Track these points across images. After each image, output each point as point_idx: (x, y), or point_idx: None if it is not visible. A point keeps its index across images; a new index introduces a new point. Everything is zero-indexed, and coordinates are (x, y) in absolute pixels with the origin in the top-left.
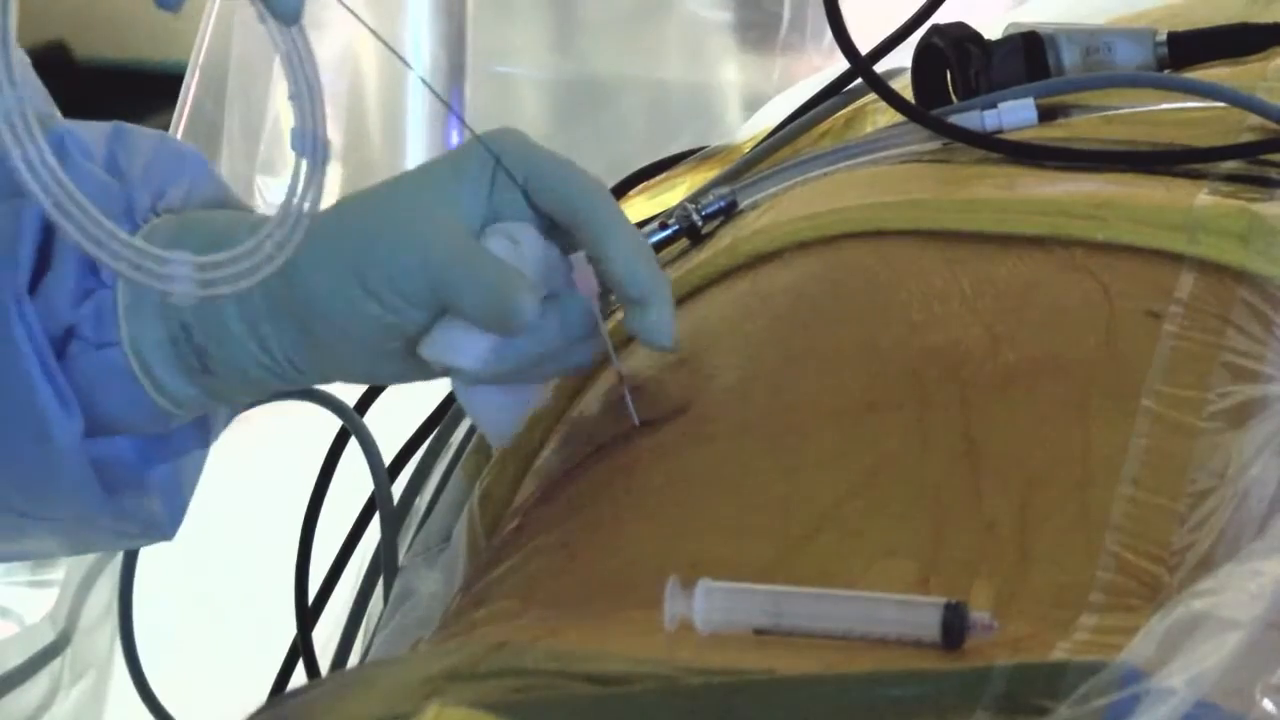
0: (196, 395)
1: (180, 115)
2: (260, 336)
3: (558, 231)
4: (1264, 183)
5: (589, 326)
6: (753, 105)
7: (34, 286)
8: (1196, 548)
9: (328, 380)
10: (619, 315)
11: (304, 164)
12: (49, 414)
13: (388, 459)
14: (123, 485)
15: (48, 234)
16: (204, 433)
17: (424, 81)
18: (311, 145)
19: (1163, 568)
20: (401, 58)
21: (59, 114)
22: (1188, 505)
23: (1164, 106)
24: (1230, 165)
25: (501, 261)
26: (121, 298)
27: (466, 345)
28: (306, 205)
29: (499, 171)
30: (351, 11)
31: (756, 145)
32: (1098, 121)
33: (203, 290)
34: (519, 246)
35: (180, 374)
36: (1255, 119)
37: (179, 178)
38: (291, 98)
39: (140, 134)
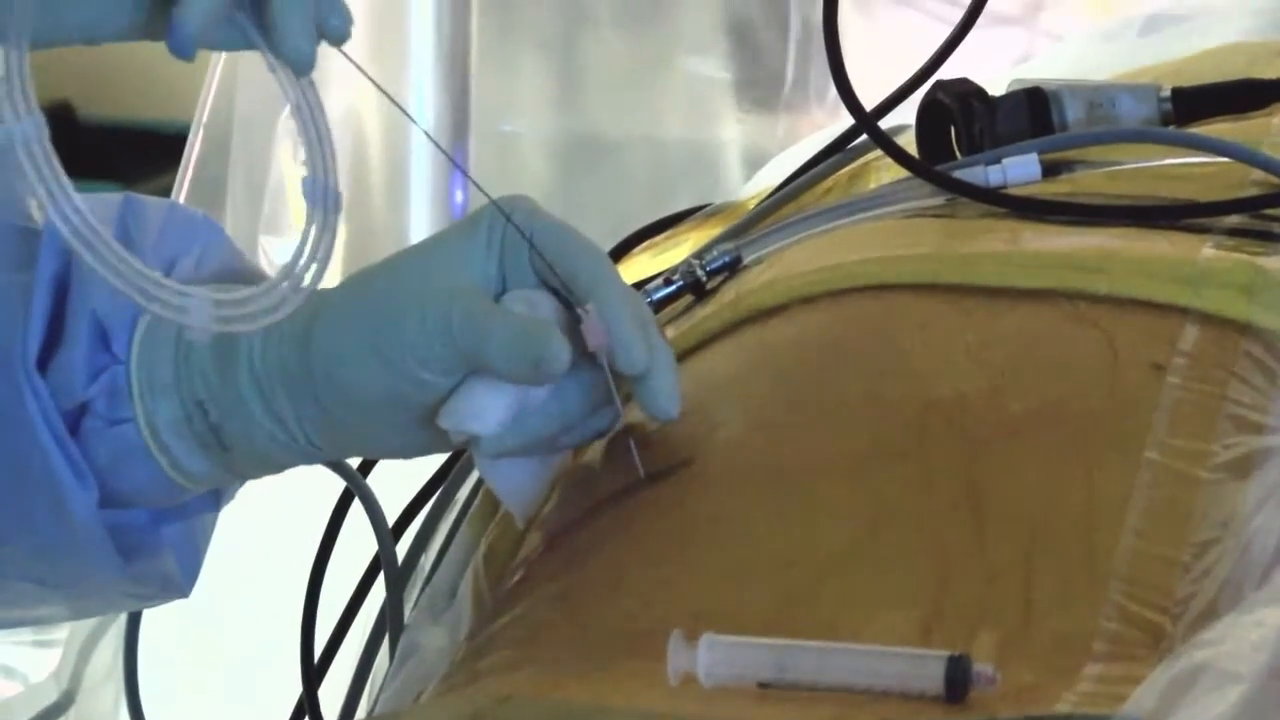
0: (212, 471)
1: (184, 175)
2: (277, 413)
3: (560, 299)
4: (1268, 237)
5: (607, 394)
6: (756, 163)
7: (46, 362)
8: (1200, 598)
9: (344, 455)
10: None
11: (317, 212)
12: (64, 486)
13: (393, 516)
14: (138, 549)
15: (58, 309)
16: (215, 497)
17: (428, 136)
18: (323, 194)
19: (1166, 617)
20: (406, 112)
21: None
22: (1191, 555)
23: (1168, 162)
24: (1234, 220)
25: (528, 315)
26: (135, 375)
27: (486, 410)
28: (321, 251)
29: (507, 239)
30: (358, 66)
31: (761, 201)
32: (1102, 177)
33: (219, 326)
34: (538, 311)
35: (196, 450)
36: (1259, 174)
37: (190, 246)
38: (302, 147)
39: (150, 204)
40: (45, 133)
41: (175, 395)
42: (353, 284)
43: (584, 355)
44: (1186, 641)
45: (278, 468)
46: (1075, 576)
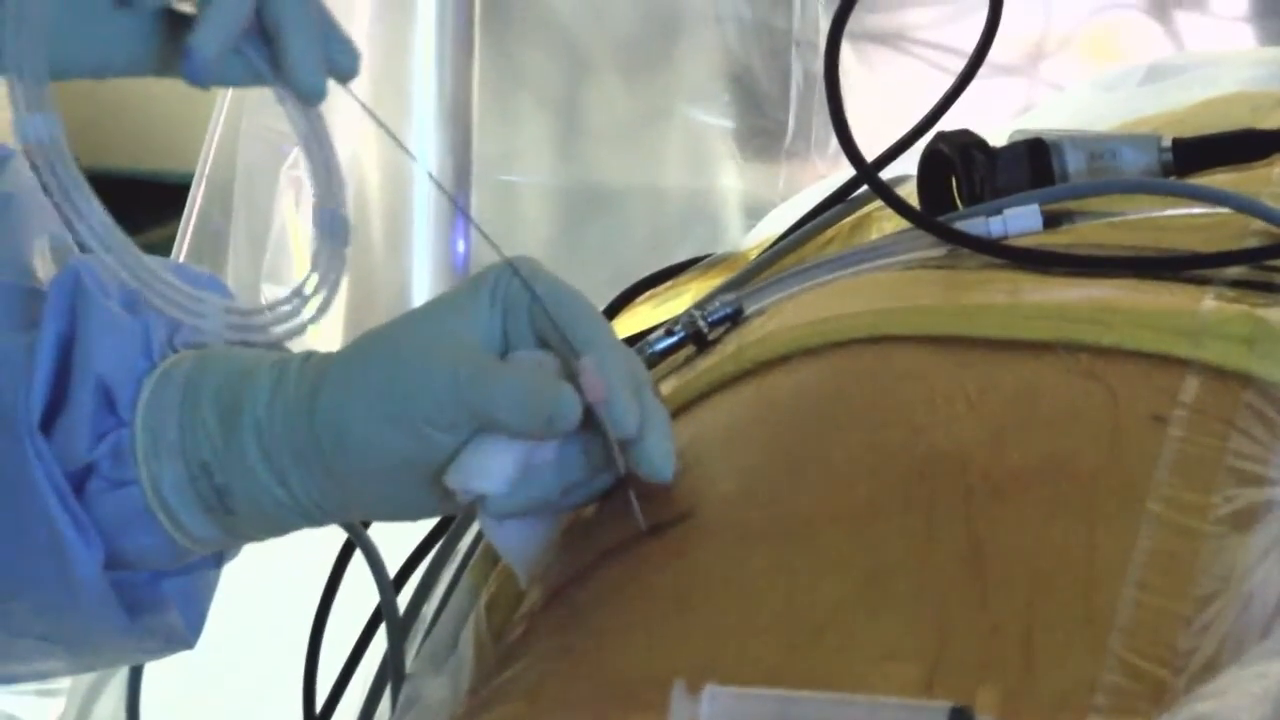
0: (216, 534)
1: (186, 225)
2: (282, 475)
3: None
4: (1269, 288)
5: (607, 450)
6: (757, 213)
7: (50, 423)
8: (1202, 651)
9: (350, 518)
10: None
11: (325, 239)
12: (69, 547)
13: (395, 567)
14: (141, 604)
15: (62, 370)
16: (218, 555)
17: (432, 178)
18: (331, 222)
19: (1168, 671)
20: (410, 153)
21: (76, 247)
22: (1193, 608)
23: (1169, 212)
24: (1235, 270)
25: (535, 369)
26: (140, 438)
27: (493, 469)
28: (331, 277)
29: (510, 300)
30: (366, 108)
31: (762, 252)
32: (1103, 227)
33: (230, 334)
34: (545, 369)
35: (200, 513)
36: (1260, 224)
37: None
38: (309, 178)
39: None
40: (61, 130)
41: (180, 458)
42: (357, 347)
43: (585, 417)
44: (1189, 694)
45: (282, 530)
46: (1077, 629)
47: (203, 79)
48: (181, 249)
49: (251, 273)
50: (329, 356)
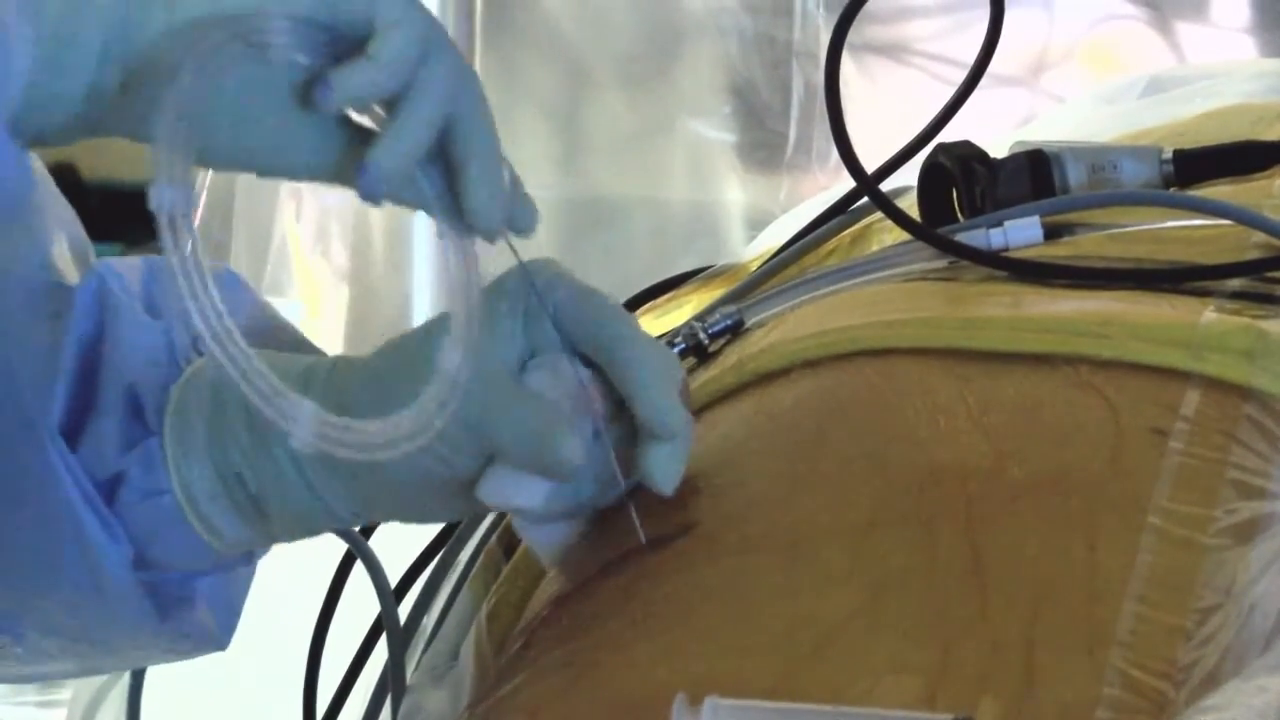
0: (251, 536)
1: None
2: (313, 484)
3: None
4: (1270, 300)
5: (608, 466)
6: (758, 224)
7: (79, 426)
8: (1203, 664)
9: (385, 521)
10: None
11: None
12: (96, 545)
13: (396, 576)
14: (172, 603)
15: (86, 371)
16: (249, 553)
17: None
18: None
19: (1169, 684)
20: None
21: (92, 250)
22: (1194, 622)
23: (1170, 224)
24: (1236, 282)
25: (543, 404)
26: (170, 448)
27: (526, 485)
28: (450, 407)
29: (531, 303)
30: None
31: (763, 264)
32: (1103, 239)
33: (322, 444)
34: (561, 381)
35: (234, 518)
36: (1261, 236)
37: None
38: (454, 320)
39: None
40: (192, 206)
41: (209, 463)
42: (380, 363)
43: (616, 418)
44: (1190, 708)
45: (314, 532)
46: (1078, 643)
47: (376, 196)
48: None
49: (253, 285)
50: (353, 367)
